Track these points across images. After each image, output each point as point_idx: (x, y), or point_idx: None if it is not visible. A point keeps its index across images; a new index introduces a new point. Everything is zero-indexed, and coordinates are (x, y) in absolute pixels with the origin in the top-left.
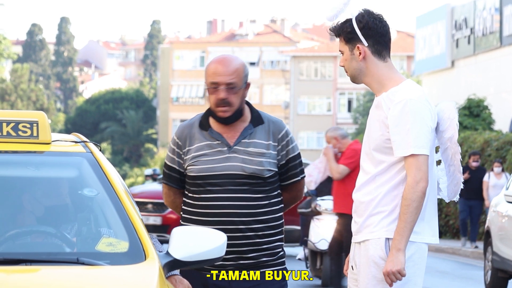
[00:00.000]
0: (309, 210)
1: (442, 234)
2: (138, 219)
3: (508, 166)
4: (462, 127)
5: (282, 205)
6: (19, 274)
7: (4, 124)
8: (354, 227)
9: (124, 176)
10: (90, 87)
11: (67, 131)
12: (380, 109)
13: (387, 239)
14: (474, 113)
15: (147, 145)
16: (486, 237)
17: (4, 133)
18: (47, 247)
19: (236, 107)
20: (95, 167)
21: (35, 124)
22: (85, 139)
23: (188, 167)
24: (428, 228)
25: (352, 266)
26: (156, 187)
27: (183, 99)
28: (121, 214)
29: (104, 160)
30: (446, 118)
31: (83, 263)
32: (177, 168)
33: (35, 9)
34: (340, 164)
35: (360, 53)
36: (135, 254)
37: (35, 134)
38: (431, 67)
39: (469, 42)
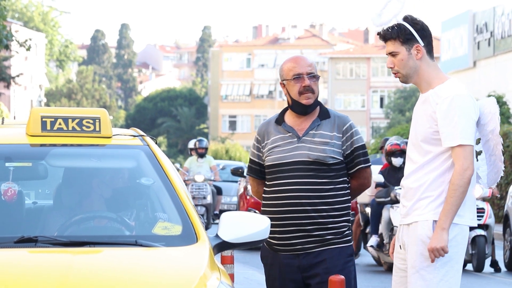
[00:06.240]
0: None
1: None
2: (190, 205)
3: None
4: None
5: (349, 191)
6: (84, 255)
7: (70, 120)
8: (402, 210)
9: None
10: (148, 86)
11: (127, 126)
12: (428, 104)
13: (434, 221)
14: None
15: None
16: (505, 221)
17: (70, 128)
18: (109, 231)
19: (316, 95)
20: (152, 159)
21: (97, 120)
22: (142, 133)
23: (266, 158)
24: (468, 212)
25: (400, 246)
26: None
27: (231, 96)
28: (175, 200)
29: (159, 152)
30: (488, 113)
31: (141, 245)
32: (257, 160)
33: (98, 17)
34: None
35: (417, 52)
36: (188, 237)
37: (97, 129)
38: (455, 67)
39: (489, 44)
